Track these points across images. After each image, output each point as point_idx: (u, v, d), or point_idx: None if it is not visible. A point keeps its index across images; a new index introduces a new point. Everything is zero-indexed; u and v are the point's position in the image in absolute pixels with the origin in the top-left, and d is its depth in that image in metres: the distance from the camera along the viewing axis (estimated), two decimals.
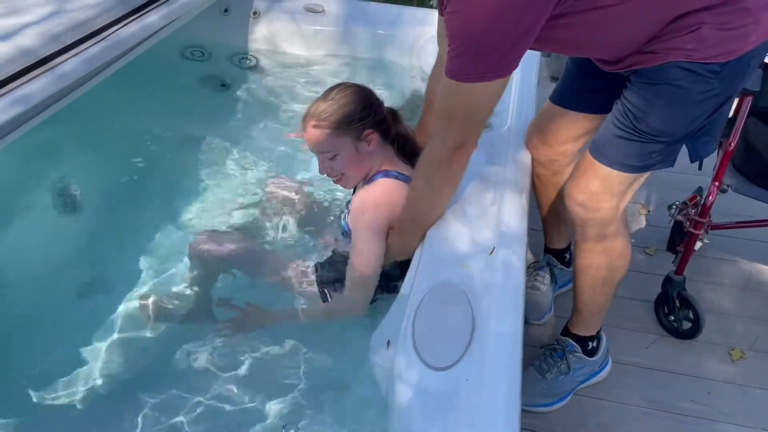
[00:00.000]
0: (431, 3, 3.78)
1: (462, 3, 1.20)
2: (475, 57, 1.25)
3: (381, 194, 1.63)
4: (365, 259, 1.60)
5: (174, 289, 1.83)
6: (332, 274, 1.71)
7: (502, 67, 1.26)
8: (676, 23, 1.28)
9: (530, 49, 1.36)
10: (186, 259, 1.84)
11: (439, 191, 1.52)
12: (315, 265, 1.75)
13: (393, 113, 1.73)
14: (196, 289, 1.82)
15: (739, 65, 1.32)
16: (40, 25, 1.74)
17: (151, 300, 1.79)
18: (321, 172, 1.69)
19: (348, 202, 1.78)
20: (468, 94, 1.30)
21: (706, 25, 1.27)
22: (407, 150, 1.73)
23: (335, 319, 1.67)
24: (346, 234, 1.73)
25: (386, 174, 1.66)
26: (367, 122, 1.63)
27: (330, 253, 1.79)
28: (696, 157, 1.48)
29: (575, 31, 1.33)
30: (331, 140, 1.62)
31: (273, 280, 1.78)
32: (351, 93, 1.66)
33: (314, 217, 2.01)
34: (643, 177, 1.51)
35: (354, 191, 1.77)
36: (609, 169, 1.48)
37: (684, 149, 1.47)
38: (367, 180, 1.69)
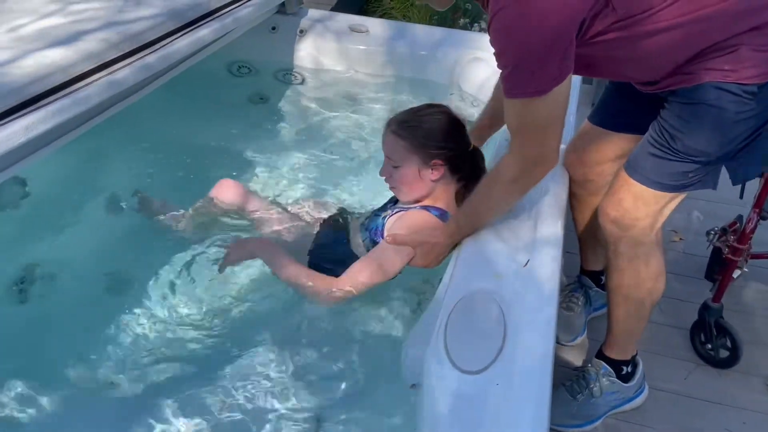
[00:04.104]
0: (474, 27, 3.84)
1: (502, 18, 1.20)
2: (527, 71, 1.22)
3: (432, 237, 1.59)
4: (387, 261, 1.59)
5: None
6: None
7: (557, 74, 1.23)
8: (714, 45, 1.29)
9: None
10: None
11: (504, 204, 1.51)
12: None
13: (476, 154, 1.71)
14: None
15: None
16: (101, 31, 1.82)
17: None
18: (381, 173, 1.71)
19: (388, 204, 1.79)
20: (533, 108, 1.28)
21: (744, 46, 1.27)
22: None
23: (313, 293, 1.61)
24: (371, 230, 1.72)
25: (442, 215, 1.65)
26: (442, 153, 1.62)
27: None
28: (736, 180, 1.46)
29: (614, 48, 1.32)
30: (401, 152, 1.64)
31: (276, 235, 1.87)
32: (441, 120, 1.65)
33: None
34: (679, 197, 1.50)
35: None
36: (643, 187, 1.47)
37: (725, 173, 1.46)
38: (424, 205, 1.68)
